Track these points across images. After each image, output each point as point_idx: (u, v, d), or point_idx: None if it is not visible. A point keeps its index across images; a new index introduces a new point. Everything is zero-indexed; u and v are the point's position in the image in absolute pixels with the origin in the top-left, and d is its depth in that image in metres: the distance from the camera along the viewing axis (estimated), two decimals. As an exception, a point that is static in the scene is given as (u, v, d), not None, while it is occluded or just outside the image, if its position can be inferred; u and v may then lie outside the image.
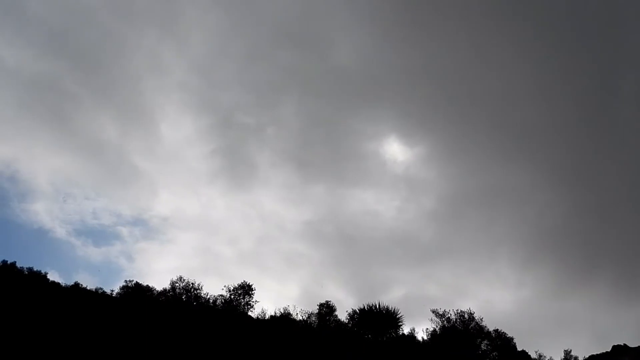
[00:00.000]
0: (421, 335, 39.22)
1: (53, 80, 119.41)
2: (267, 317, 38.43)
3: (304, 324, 38.62)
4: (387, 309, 37.65)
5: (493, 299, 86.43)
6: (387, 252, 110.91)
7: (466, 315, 39.60)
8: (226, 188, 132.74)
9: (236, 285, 39.03)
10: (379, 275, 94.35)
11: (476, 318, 39.63)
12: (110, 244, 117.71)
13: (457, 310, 39.79)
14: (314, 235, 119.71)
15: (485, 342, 39.87)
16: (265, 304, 61.06)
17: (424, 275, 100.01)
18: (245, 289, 39.11)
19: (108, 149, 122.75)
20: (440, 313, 39.79)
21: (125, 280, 39.51)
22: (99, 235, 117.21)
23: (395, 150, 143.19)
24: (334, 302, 39.56)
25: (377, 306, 37.64)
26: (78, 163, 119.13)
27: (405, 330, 38.42)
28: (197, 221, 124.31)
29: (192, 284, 38.63)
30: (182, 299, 38.14)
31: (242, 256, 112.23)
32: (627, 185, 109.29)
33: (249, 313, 38.63)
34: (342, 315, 38.73)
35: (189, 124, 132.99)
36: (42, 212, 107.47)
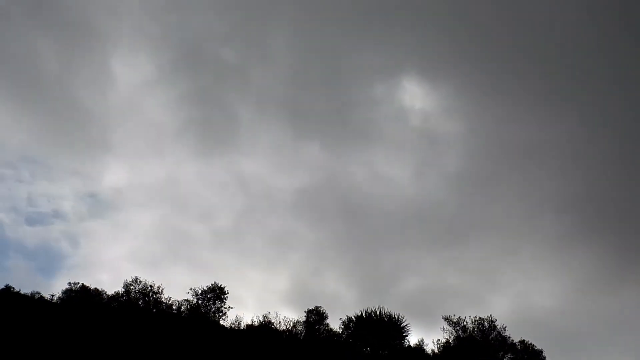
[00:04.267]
0: (431, 347, 34.00)
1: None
2: (242, 326, 32.38)
3: (288, 334, 32.05)
4: (390, 316, 32.75)
5: (529, 290, 69.82)
6: (400, 229, 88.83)
7: (486, 323, 33.45)
8: (197, 147, 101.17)
9: (205, 288, 32.87)
10: (389, 260, 77.75)
11: (498, 326, 33.43)
12: (48, 223, 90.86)
13: (475, 317, 33.89)
14: (308, 209, 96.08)
15: (509, 355, 33.39)
16: (242, 307, 50.94)
17: (445, 261, 79.51)
18: (217, 293, 32.48)
19: (47, 90, 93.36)
20: (455, 321, 33.59)
21: (69, 283, 33.29)
22: (33, 212, 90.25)
23: (414, 93, 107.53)
24: (332, 298, 32.93)
25: (378, 313, 32.01)
26: (8, 107, 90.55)
27: (413, 341, 33.90)
28: (160, 192, 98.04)
29: (151, 286, 32.36)
30: (139, 305, 31.52)
31: (218, 237, 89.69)
32: None
33: (221, 322, 33.35)
34: (334, 322, 33.83)
35: (149, 59, 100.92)
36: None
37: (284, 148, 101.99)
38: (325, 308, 34.04)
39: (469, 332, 33.26)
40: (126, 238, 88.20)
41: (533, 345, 33.77)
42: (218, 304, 32.57)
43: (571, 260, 78.77)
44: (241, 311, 54.06)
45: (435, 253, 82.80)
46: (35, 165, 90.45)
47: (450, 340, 33.43)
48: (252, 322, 32.68)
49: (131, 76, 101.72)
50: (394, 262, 76.43)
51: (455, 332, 33.31)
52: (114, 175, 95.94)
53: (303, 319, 33.55)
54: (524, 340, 33.80)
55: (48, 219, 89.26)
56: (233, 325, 32.69)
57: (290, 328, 32.91)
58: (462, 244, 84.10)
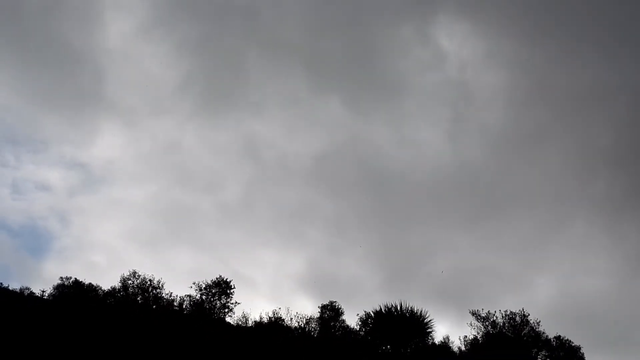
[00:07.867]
0: (457, 344, 31.30)
1: None
2: (250, 323, 29.86)
3: (300, 332, 29.24)
4: (412, 311, 29.96)
5: (577, 270, 60.57)
6: (432, 200, 77.69)
7: (517, 318, 30.77)
8: (200, 105, 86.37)
9: (209, 283, 30.07)
10: (419, 236, 69.12)
11: (531, 321, 30.60)
12: (33, 198, 79.48)
13: (506, 311, 30.93)
14: (327, 177, 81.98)
15: (543, 352, 30.91)
16: (253, 292, 46.40)
17: (482, 237, 69.66)
18: (222, 287, 29.82)
19: (25, 22, 78.12)
20: (483, 315, 30.84)
21: (61, 277, 30.63)
22: (16, 185, 78.86)
23: (449, 32, 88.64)
24: (353, 282, 30.13)
25: (399, 308, 29.27)
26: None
27: (437, 338, 30.98)
28: (158, 161, 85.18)
29: (150, 280, 29.76)
30: (138, 301, 28.92)
31: (225, 211, 78.52)
32: None
33: (227, 319, 30.81)
34: (351, 318, 31.08)
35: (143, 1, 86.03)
36: None
37: (300, 105, 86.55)
38: (345, 296, 31.71)
39: (499, 327, 30.34)
40: (120, 216, 78.27)
41: (570, 341, 30.81)
42: (224, 300, 29.89)
43: (623, 232, 65.68)
44: (252, 298, 48.14)
45: (471, 228, 71.00)
46: (15, 125, 77.29)
47: (479, 337, 30.56)
48: (261, 318, 29.98)
49: (121, 16, 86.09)
50: (423, 239, 67.26)
51: (484, 327, 30.42)
52: (106, 138, 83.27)
53: (317, 314, 30.91)
54: (559, 336, 30.83)
55: (32, 192, 79.53)
56: (240, 323, 30.03)
57: (302, 325, 30.23)
58: (502, 216, 71.97)
